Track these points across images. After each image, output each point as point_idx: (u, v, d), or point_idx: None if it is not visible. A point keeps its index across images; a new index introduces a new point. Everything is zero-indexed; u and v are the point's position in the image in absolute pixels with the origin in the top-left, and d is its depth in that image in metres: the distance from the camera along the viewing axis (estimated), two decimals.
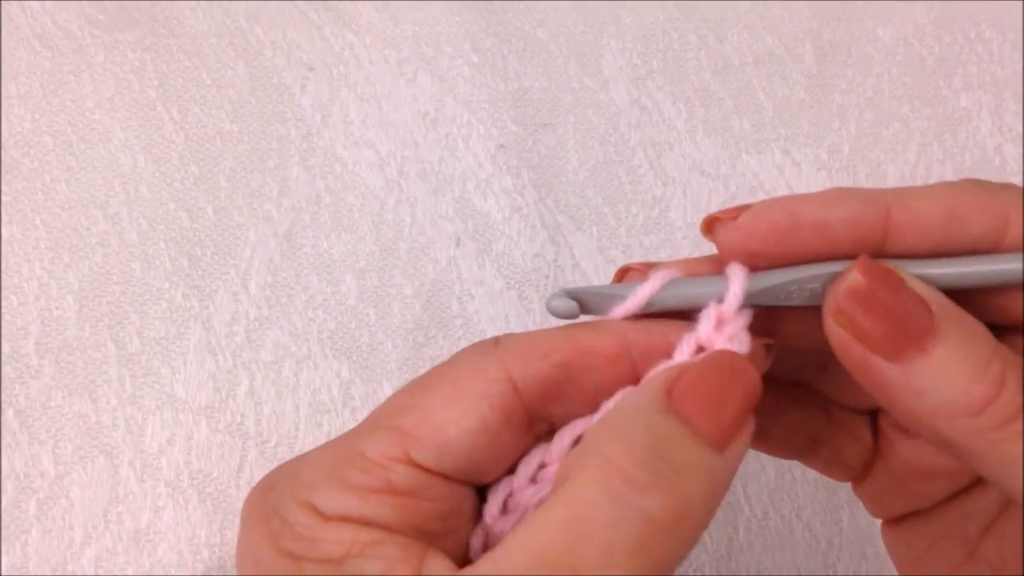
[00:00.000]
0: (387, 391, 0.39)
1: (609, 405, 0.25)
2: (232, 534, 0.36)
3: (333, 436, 0.38)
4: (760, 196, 0.43)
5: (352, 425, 0.38)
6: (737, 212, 0.25)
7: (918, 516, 0.29)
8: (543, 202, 0.42)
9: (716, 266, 0.26)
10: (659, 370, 0.24)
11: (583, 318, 0.27)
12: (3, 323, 0.37)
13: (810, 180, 0.44)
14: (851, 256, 0.25)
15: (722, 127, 0.44)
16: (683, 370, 0.23)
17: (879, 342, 0.23)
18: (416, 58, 0.43)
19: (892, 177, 0.44)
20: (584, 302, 0.26)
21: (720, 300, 0.25)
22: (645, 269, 0.27)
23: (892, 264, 0.24)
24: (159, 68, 0.41)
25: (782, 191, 0.43)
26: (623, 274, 0.28)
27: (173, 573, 0.35)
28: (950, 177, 0.45)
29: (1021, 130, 0.45)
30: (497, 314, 0.40)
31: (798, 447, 0.30)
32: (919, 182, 0.44)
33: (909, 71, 0.46)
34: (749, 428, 0.23)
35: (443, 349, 0.39)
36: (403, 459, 0.24)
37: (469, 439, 0.24)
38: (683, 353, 0.25)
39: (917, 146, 0.45)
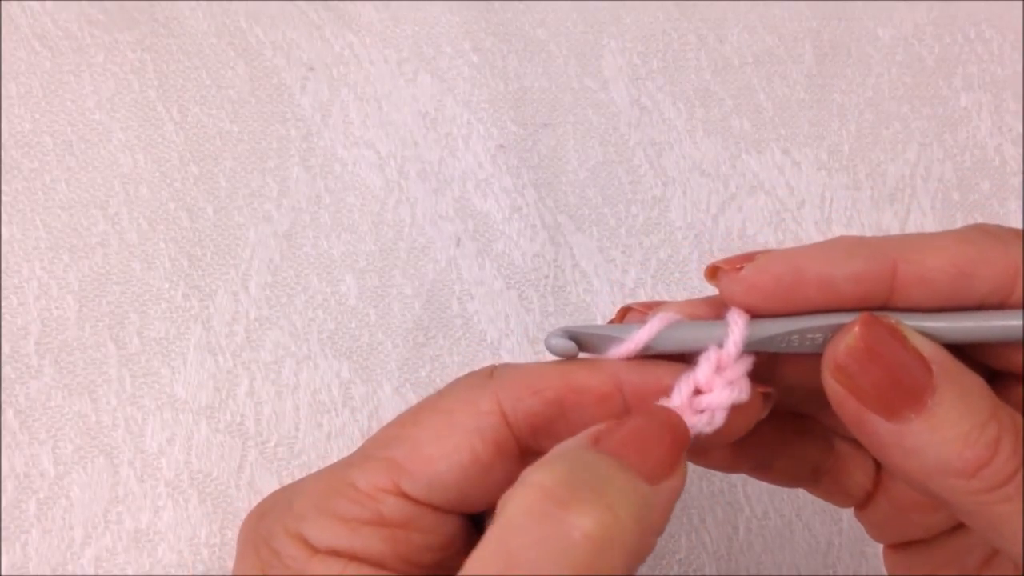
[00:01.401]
0: (387, 391, 0.39)
1: None
2: (232, 534, 0.36)
3: (333, 436, 0.38)
4: (760, 196, 0.43)
5: (352, 425, 0.38)
6: (741, 262, 0.25)
7: (919, 544, 0.29)
8: (543, 202, 0.42)
9: (717, 309, 0.26)
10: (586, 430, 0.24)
11: (582, 355, 0.27)
12: (3, 323, 0.37)
13: (810, 180, 0.44)
14: (855, 309, 0.24)
15: (722, 127, 0.44)
16: (610, 423, 0.23)
17: (875, 400, 0.23)
18: (416, 58, 0.43)
19: (892, 177, 0.44)
20: (583, 342, 0.26)
21: (720, 345, 0.25)
22: (646, 310, 0.27)
23: (895, 318, 0.24)
24: (159, 68, 0.41)
25: (782, 191, 0.43)
26: (624, 314, 0.28)
27: (173, 573, 0.35)
28: (950, 177, 0.45)
29: (1021, 130, 0.45)
30: (497, 314, 0.40)
31: (801, 476, 0.30)
32: (919, 182, 0.44)
33: (909, 71, 0.46)
34: (681, 469, 0.23)
35: (443, 349, 0.39)
36: (393, 491, 0.24)
37: (460, 472, 0.24)
38: (680, 395, 0.25)
39: (917, 146, 0.45)
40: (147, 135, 0.40)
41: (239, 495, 0.36)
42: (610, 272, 0.41)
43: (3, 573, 0.35)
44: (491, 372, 0.26)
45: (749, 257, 0.25)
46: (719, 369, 0.25)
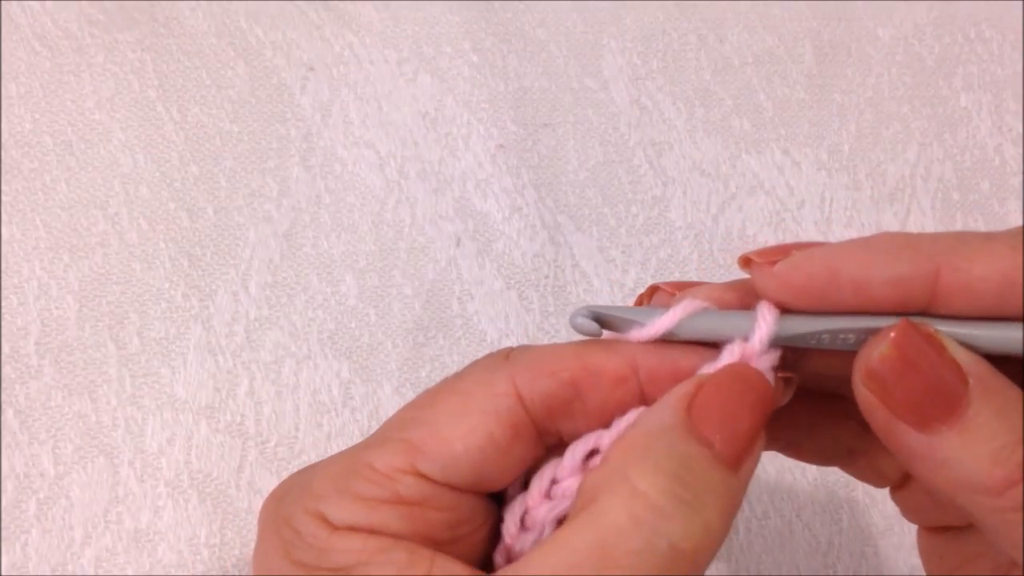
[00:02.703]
0: (387, 391, 0.39)
1: (621, 424, 0.25)
2: (232, 534, 0.36)
3: (333, 436, 0.38)
4: (760, 196, 0.43)
5: (352, 425, 0.38)
6: (775, 256, 0.24)
7: (953, 531, 0.29)
8: (543, 202, 0.42)
9: (746, 296, 0.26)
10: (679, 385, 0.24)
11: (605, 334, 0.26)
12: (3, 323, 0.37)
13: (810, 180, 0.44)
14: (892, 313, 0.23)
15: (722, 127, 0.44)
16: (700, 384, 0.24)
17: (906, 410, 0.23)
18: (416, 58, 0.43)
19: (892, 177, 0.44)
20: (606, 322, 0.26)
21: (746, 338, 0.25)
22: (674, 291, 0.26)
23: (934, 326, 0.23)
24: (159, 68, 0.41)
25: (782, 191, 0.43)
26: (651, 294, 0.28)
27: (173, 573, 0.35)
28: (950, 177, 0.45)
29: (1021, 130, 0.45)
30: (497, 314, 0.40)
31: (835, 457, 0.30)
32: (919, 182, 0.44)
33: (909, 71, 0.46)
34: (761, 443, 0.24)
35: (443, 349, 0.39)
36: (410, 471, 0.24)
37: (477, 453, 0.24)
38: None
39: (917, 146, 0.45)
40: (147, 135, 0.40)
41: (239, 495, 0.36)
42: (610, 272, 0.41)
43: (3, 573, 0.35)
44: (507, 354, 0.26)
45: (784, 250, 0.25)
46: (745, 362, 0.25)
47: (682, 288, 0.26)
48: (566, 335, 0.40)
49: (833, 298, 0.24)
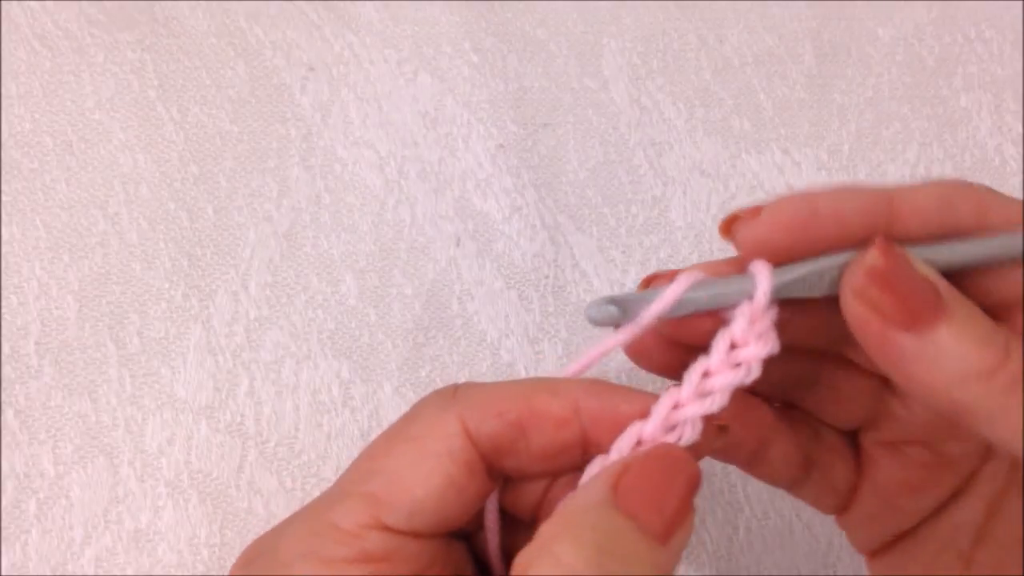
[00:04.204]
0: (387, 391, 0.39)
1: (594, 470, 0.26)
2: (232, 534, 0.36)
3: (333, 436, 0.38)
4: (760, 196, 0.43)
5: (352, 425, 0.38)
6: (755, 211, 0.27)
7: (908, 540, 0.30)
8: (543, 202, 0.42)
9: (738, 267, 0.27)
10: (606, 464, 0.25)
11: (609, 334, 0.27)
12: (3, 323, 0.37)
13: (810, 180, 0.44)
14: (863, 246, 0.26)
15: (722, 127, 0.44)
16: (627, 466, 0.25)
17: (896, 315, 0.25)
18: (416, 58, 0.43)
19: (892, 177, 0.44)
20: (624, 307, 0.27)
21: (751, 297, 0.26)
22: (672, 275, 0.28)
23: (900, 247, 0.26)
24: (159, 68, 0.41)
25: (782, 191, 0.43)
26: (649, 282, 0.29)
27: (173, 573, 0.35)
28: (950, 177, 0.45)
29: (1021, 130, 0.45)
30: (497, 314, 0.40)
31: (792, 469, 0.31)
32: (919, 182, 0.44)
33: (909, 71, 0.46)
34: (691, 518, 0.24)
35: (443, 349, 0.39)
36: (375, 525, 0.24)
37: (437, 496, 0.25)
38: (719, 352, 0.26)
39: (917, 146, 0.45)
40: (147, 135, 0.40)
41: (239, 495, 0.36)
42: (610, 272, 0.41)
43: (3, 573, 0.35)
44: (454, 392, 0.27)
45: (759, 208, 0.27)
46: (752, 322, 0.26)
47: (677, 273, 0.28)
48: (566, 335, 0.40)
49: (815, 233, 0.26)
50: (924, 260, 0.26)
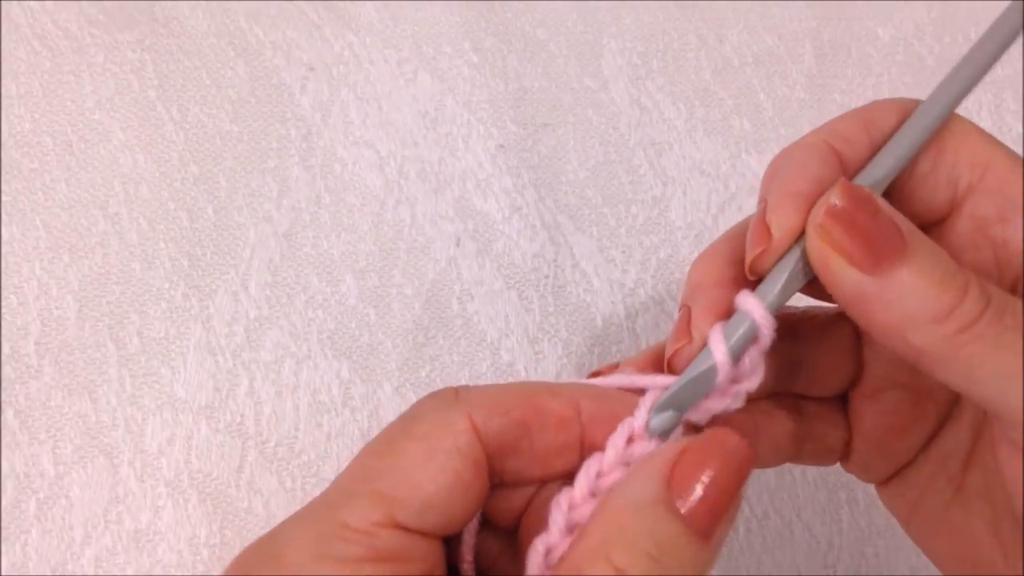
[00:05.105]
0: (387, 391, 0.39)
1: (617, 440, 0.26)
2: (232, 534, 0.36)
3: (333, 436, 0.38)
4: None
5: (352, 425, 0.38)
6: (765, 237, 0.27)
7: (905, 470, 0.31)
8: (543, 202, 0.42)
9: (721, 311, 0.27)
10: (659, 451, 0.25)
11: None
12: (3, 323, 0.37)
13: None
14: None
15: (722, 127, 0.44)
16: (681, 451, 0.24)
17: (856, 256, 0.25)
18: (416, 58, 0.43)
19: None
20: (679, 405, 0.27)
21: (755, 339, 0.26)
22: (613, 369, 0.28)
23: (865, 189, 0.26)
24: (159, 68, 0.41)
25: None
26: (597, 374, 0.29)
27: (173, 573, 0.35)
28: None
29: (1021, 130, 0.45)
30: (497, 314, 0.40)
31: (783, 456, 0.31)
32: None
33: (909, 71, 0.46)
34: (736, 506, 0.25)
35: (443, 349, 0.39)
36: (388, 523, 0.24)
37: (447, 493, 0.25)
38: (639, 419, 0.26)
39: None
40: (147, 135, 0.40)
41: (239, 495, 0.36)
42: (610, 272, 0.41)
43: (3, 573, 0.35)
44: (456, 393, 0.26)
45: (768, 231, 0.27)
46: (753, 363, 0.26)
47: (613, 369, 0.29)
48: (566, 335, 0.40)
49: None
50: (883, 174, 0.26)
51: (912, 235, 0.25)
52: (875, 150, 0.27)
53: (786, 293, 0.26)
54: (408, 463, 0.25)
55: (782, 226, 0.26)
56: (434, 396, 0.26)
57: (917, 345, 0.24)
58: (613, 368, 0.28)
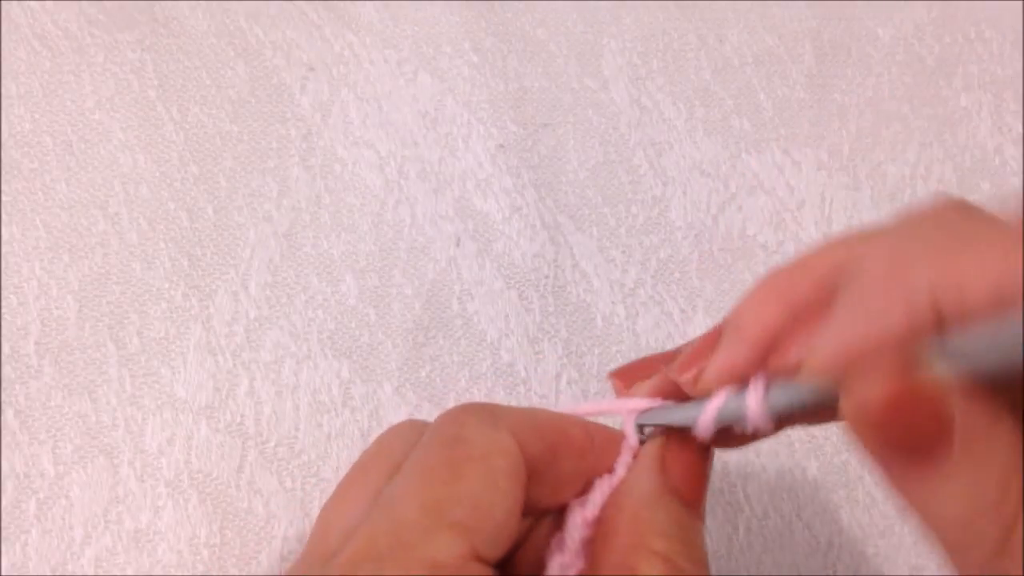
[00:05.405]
0: (387, 391, 0.39)
1: (603, 486, 0.26)
2: (232, 534, 0.36)
3: (333, 436, 0.38)
4: (760, 196, 0.43)
5: (352, 425, 0.38)
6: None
7: None
8: (543, 202, 0.42)
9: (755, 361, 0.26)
10: (647, 447, 0.27)
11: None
12: (3, 323, 0.37)
13: (810, 180, 0.44)
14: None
15: (722, 127, 0.44)
16: (664, 443, 0.26)
17: (886, 461, 0.21)
18: (416, 58, 0.43)
19: (892, 177, 0.44)
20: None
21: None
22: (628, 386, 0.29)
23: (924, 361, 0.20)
24: (159, 68, 0.41)
25: (782, 191, 0.43)
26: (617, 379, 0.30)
27: (173, 573, 0.35)
28: (950, 177, 0.45)
29: (1021, 130, 0.45)
30: (497, 314, 0.40)
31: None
32: (919, 182, 0.44)
33: (909, 71, 0.46)
34: (707, 481, 0.27)
35: (443, 349, 0.39)
36: (472, 555, 0.22)
37: (512, 520, 0.23)
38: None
39: (917, 146, 0.45)
40: (147, 135, 0.40)
41: (239, 495, 0.36)
42: (610, 272, 0.41)
43: (3, 573, 0.35)
44: (492, 411, 0.25)
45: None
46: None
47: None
48: (566, 335, 0.40)
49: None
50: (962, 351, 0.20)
51: (964, 434, 0.20)
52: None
53: (799, 406, 0.24)
54: (474, 489, 0.23)
55: (721, 370, 0.25)
56: (471, 413, 0.25)
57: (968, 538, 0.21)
58: (650, 370, 0.27)
